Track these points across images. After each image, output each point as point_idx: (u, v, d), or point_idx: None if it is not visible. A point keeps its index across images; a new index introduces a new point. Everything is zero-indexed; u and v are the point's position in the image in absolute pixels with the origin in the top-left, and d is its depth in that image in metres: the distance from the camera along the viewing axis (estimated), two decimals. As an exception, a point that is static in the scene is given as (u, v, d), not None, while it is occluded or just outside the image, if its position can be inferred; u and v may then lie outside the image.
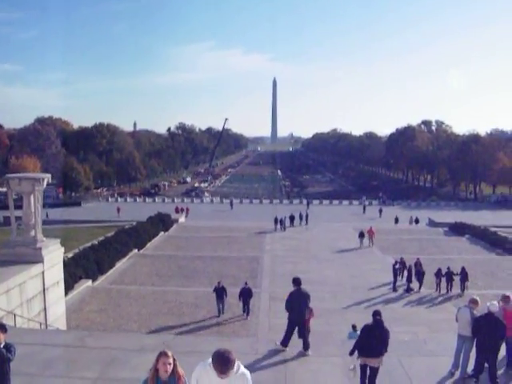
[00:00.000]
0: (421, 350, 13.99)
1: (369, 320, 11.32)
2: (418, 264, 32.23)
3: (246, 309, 25.33)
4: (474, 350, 11.79)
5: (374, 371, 11.04)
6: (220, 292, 25.51)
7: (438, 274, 31.55)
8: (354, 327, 17.93)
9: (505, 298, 12.34)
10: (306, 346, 13.39)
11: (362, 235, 46.63)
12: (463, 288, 31.00)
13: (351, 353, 11.32)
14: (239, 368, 5.75)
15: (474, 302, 12.12)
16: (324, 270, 37.04)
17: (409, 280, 31.33)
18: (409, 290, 31.08)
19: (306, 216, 62.29)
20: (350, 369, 11.24)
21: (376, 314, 11.38)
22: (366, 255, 43.33)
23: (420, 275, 31.26)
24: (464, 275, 31.19)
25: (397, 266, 32.40)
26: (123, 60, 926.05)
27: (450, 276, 31.15)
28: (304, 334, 13.44)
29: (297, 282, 13.74)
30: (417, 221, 69.29)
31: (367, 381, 11.14)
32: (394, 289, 31.52)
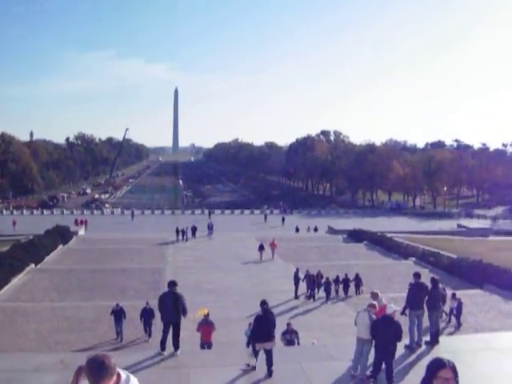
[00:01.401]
0: (321, 354, 14.11)
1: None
2: (319, 275, 32.83)
3: (148, 330, 23.41)
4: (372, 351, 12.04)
5: (270, 352, 12.52)
6: (118, 314, 23.57)
7: (336, 280, 32.66)
8: (250, 325, 17.93)
9: (373, 295, 12.95)
10: (175, 346, 13.88)
11: (261, 248, 45.33)
12: (358, 293, 32.36)
13: (248, 344, 13.37)
14: (129, 379, 4.57)
15: (372, 306, 12.43)
16: (227, 279, 36.87)
17: (312, 288, 31.67)
18: (310, 297, 31.46)
19: (211, 226, 61.97)
20: (249, 355, 12.90)
21: (263, 303, 13.17)
22: (268, 264, 43.62)
23: (327, 285, 31.58)
24: (358, 281, 32.79)
25: (301, 276, 32.68)
26: (19, 66, 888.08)
27: (346, 282, 32.48)
28: (176, 334, 13.95)
29: (170, 284, 14.39)
30: (315, 229, 70.81)
31: (266, 362, 12.43)
32: (296, 296, 31.81)
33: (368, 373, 12.07)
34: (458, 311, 24.56)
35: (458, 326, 24.41)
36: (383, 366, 11.81)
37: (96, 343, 23.09)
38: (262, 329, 12.78)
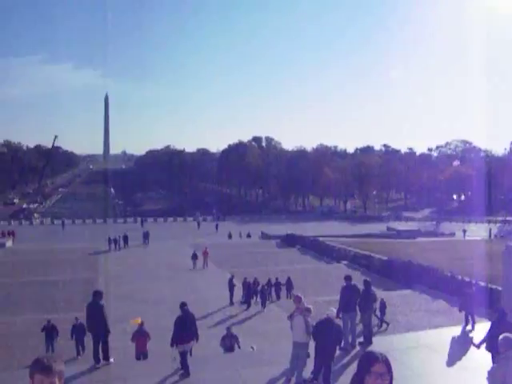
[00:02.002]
0: (259, 360, 14.12)
1: (210, 334, 11.49)
2: (255, 282, 33.07)
3: (81, 347, 21.15)
4: (309, 355, 12.15)
5: (189, 352, 13.38)
6: (50, 332, 21.72)
7: (268, 284, 33.33)
8: None
9: (297, 299, 13.26)
10: (105, 357, 13.86)
11: (195, 257, 45.08)
12: (290, 296, 32.66)
13: (172, 344, 13.25)
14: None
15: (307, 310, 12.54)
16: (161, 288, 36.38)
17: (248, 295, 31.68)
18: (246, 303, 31.47)
19: (147, 234, 61.17)
20: (172, 359, 13.30)
21: (182, 305, 13.68)
22: (202, 272, 43.46)
23: (262, 293, 31.66)
24: (289, 284, 33.61)
25: (236, 283, 32.74)
26: None
27: (278, 286, 33.46)
28: (104, 345, 13.91)
29: (94, 294, 14.54)
30: (248, 235, 71.05)
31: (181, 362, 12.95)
32: (231, 302, 31.81)
33: (310, 375, 12.19)
34: (381, 311, 25.16)
35: (381, 325, 24.99)
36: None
37: (25, 360, 22.26)
38: (183, 330, 13.27)
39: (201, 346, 20.84)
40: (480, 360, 11.60)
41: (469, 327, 18.47)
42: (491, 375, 8.33)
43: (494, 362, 8.75)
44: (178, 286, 37.40)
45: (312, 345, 12.22)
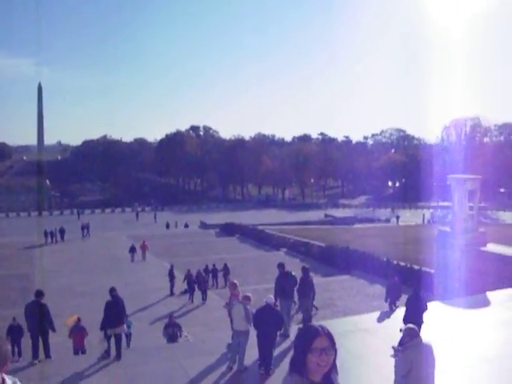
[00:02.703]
0: (200, 350, 14.16)
1: (150, 325, 11.45)
2: (199, 275, 33.15)
3: (17, 349, 19.29)
4: (249, 342, 12.26)
5: (119, 337, 13.58)
6: (15, 331, 19.18)
7: (205, 270, 33.99)
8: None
9: (232, 285, 13.55)
10: (46, 354, 13.84)
11: (133, 250, 44.26)
12: (227, 283, 33.16)
13: (101, 328, 14.10)
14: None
15: (247, 298, 12.64)
16: (100, 281, 35.72)
17: (191, 288, 31.37)
18: (189, 293, 31.37)
19: (87, 226, 60.00)
20: (101, 339, 14.40)
21: (112, 290, 13.98)
22: (142, 263, 43.10)
23: (201, 283, 31.54)
24: (226, 271, 34.59)
25: (176, 274, 32.65)
26: None
27: (215, 272, 34.26)
28: (45, 343, 13.87)
29: (36, 294, 14.24)
30: (186, 225, 70.72)
31: (115, 346, 13.32)
32: (172, 293, 31.73)
33: (257, 362, 12.30)
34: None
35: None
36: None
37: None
38: (112, 314, 13.64)
39: (142, 337, 20.85)
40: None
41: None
42: (398, 364, 8.68)
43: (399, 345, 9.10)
44: (117, 279, 36.77)
45: (253, 332, 12.35)
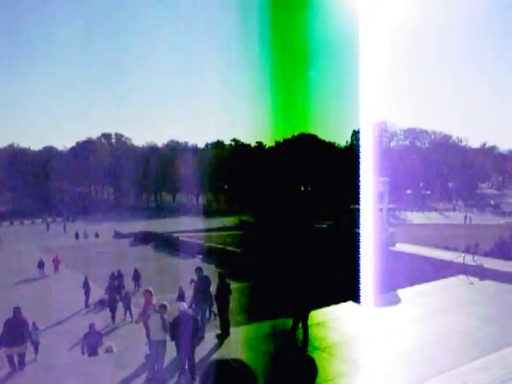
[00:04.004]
0: (116, 361, 13.86)
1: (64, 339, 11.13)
2: (120, 286, 32.83)
3: None
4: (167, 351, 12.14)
5: (22, 357, 13.52)
6: None
7: (111, 276, 34.07)
8: None
9: (147, 292, 13.58)
10: None
11: (41, 265, 42.54)
12: (137, 287, 34.10)
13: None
14: None
15: (163, 306, 12.53)
16: (9, 297, 34.33)
17: (112, 308, 30.41)
18: (101, 302, 30.77)
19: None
20: None
21: (16, 309, 13.66)
22: (53, 276, 41.71)
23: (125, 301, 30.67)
24: (137, 276, 35.01)
25: (91, 285, 31.98)
26: None
27: (120, 278, 33.99)
28: None
29: None
30: (96, 235, 69.09)
31: (18, 365, 13.30)
32: (87, 305, 31.01)
33: (180, 371, 12.18)
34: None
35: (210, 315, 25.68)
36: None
37: None
38: (12, 333, 13.29)
39: (55, 352, 20.19)
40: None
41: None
42: None
43: None
44: (26, 295, 35.53)
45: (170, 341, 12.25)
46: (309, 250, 39.44)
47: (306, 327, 13.97)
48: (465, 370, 11.36)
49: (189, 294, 25.57)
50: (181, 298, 28.09)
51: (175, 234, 59.18)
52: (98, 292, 33.10)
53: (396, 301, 18.60)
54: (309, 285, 16.23)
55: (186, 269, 41.19)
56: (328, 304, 18.54)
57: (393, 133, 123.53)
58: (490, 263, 24.29)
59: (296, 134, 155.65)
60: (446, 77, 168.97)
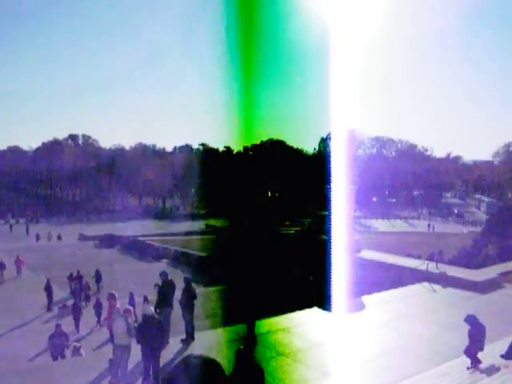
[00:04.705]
0: (79, 366, 13.67)
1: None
2: (86, 288, 32.61)
3: None
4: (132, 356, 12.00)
5: None
6: None
7: (70, 277, 34.03)
8: None
9: (111, 296, 13.40)
10: None
11: (1, 266, 41.05)
12: (99, 288, 34.01)
13: None
14: None
15: (127, 311, 12.38)
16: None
17: (77, 316, 29.90)
18: (64, 306, 30.32)
19: None
20: None
21: None
22: (15, 279, 40.83)
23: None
24: (98, 277, 34.84)
25: (53, 288, 31.50)
26: None
27: (80, 278, 33.64)
28: None
29: None
30: (59, 237, 67.88)
31: None
32: (49, 308, 30.55)
33: (142, 378, 12.04)
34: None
35: None
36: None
37: None
38: None
39: (14, 357, 19.79)
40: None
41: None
42: None
43: None
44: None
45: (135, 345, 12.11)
46: (274, 255, 39.52)
47: (251, 333, 14.10)
48: (429, 375, 11.52)
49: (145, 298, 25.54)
50: (130, 302, 28.03)
51: (141, 238, 58.65)
52: (61, 295, 32.71)
53: (361, 307, 18.75)
54: (261, 291, 16.28)
55: (151, 272, 40.96)
56: (293, 309, 18.60)
57: (360, 141, 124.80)
58: (453, 271, 24.69)
59: (264, 140, 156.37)
60: (415, 87, 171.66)
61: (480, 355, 11.65)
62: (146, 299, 25.50)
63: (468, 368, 11.20)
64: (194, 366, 2.36)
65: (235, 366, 8.04)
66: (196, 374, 2.34)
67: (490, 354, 11.68)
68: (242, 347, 8.53)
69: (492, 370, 10.72)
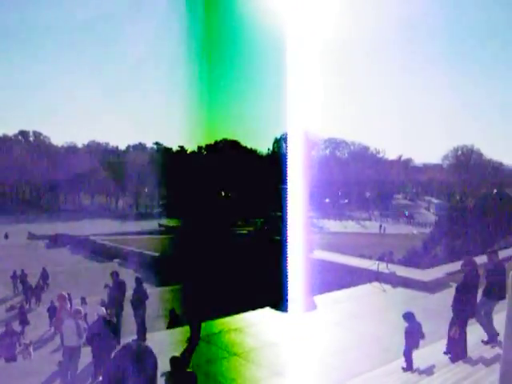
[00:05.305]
0: (28, 370, 13.39)
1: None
2: (38, 287, 32.16)
3: None
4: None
5: None
6: None
7: (14, 276, 34.00)
8: None
9: (61, 298, 13.32)
10: None
11: None
12: (43, 287, 33.70)
13: None
14: None
15: (77, 312, 12.21)
16: None
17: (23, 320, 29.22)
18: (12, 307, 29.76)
19: None
20: None
21: None
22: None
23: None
24: (45, 276, 34.74)
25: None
26: None
27: (24, 277, 33.39)
28: None
29: None
30: (6, 236, 66.36)
31: None
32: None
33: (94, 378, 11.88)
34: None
35: None
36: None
37: None
38: None
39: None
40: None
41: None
42: None
43: None
44: None
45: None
46: (226, 255, 39.54)
47: (194, 334, 14.15)
48: (378, 373, 11.71)
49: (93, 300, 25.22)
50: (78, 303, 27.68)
51: (93, 237, 57.84)
52: (7, 293, 32.13)
53: (313, 307, 18.92)
54: (210, 292, 16.28)
55: (103, 272, 40.40)
56: (245, 310, 18.63)
57: (314, 142, 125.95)
58: (403, 271, 25.14)
59: (218, 140, 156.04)
60: (369, 90, 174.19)
61: (424, 352, 11.94)
62: (104, 303, 25.15)
63: (403, 368, 11.46)
64: (130, 349, 3.09)
65: (168, 374, 8.03)
66: (132, 356, 3.05)
67: (435, 351, 11.96)
68: (176, 355, 8.46)
69: (434, 369, 10.99)
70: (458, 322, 10.85)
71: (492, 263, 11.73)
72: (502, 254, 17.97)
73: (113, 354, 2.92)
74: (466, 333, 11.10)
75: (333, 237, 59.02)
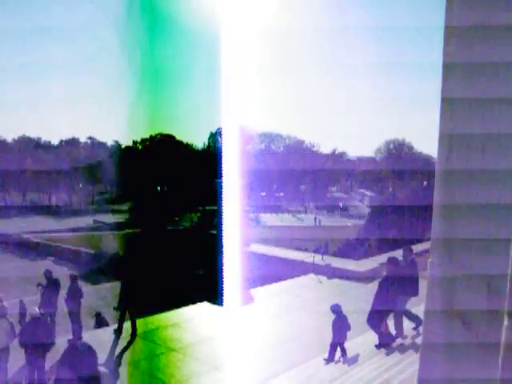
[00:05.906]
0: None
1: None
2: None
3: None
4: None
5: None
6: None
7: None
8: None
9: None
10: None
11: None
12: None
13: None
14: None
15: (5, 311, 11.88)
16: None
17: None
18: None
19: None
20: None
21: None
22: None
23: None
24: None
25: None
26: None
27: None
28: None
29: None
30: None
31: None
32: None
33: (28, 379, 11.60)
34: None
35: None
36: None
37: None
38: None
39: None
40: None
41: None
42: None
43: None
44: None
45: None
46: (162, 251, 39.27)
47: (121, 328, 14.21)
48: (315, 362, 11.94)
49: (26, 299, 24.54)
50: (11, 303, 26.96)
51: (25, 235, 56.22)
52: None
53: (250, 300, 19.06)
54: (145, 288, 16.21)
55: (37, 271, 39.36)
56: (182, 305, 18.59)
57: (249, 136, 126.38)
58: (337, 262, 25.66)
59: (154, 135, 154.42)
60: (305, 84, 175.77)
61: (357, 342, 12.29)
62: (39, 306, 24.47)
63: (325, 360, 11.74)
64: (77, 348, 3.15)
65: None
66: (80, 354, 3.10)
67: (367, 341, 12.29)
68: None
69: (363, 358, 11.31)
70: (382, 315, 11.19)
71: (405, 260, 12.05)
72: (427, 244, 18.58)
73: (61, 353, 2.98)
74: (387, 324, 11.52)
75: (269, 230, 59.51)
